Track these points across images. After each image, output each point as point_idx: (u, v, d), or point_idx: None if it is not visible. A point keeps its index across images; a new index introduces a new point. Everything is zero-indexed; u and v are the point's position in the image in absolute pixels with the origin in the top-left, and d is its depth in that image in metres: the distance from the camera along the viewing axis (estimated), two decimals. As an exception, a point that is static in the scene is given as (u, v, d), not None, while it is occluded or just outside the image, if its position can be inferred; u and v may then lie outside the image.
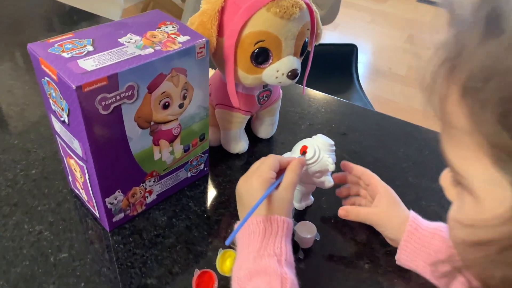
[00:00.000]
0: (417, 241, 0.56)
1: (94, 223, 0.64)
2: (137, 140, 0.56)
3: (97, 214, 0.62)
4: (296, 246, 0.60)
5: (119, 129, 0.53)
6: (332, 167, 0.59)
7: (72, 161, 0.59)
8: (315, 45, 0.69)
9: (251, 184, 0.52)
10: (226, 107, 0.72)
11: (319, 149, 0.59)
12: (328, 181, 0.61)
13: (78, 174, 0.60)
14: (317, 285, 0.58)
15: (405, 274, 0.59)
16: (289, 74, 0.62)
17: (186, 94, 0.59)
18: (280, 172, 0.55)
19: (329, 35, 2.85)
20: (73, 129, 0.52)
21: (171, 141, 0.62)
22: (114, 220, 0.62)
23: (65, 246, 0.60)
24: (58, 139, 0.60)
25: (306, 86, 0.77)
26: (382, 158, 0.80)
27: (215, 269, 0.57)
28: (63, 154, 0.62)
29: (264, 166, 0.54)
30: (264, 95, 0.71)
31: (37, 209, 0.65)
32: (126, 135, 0.55)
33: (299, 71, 0.63)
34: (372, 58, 2.74)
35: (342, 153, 0.80)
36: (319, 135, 0.62)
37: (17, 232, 0.61)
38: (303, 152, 0.59)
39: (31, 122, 0.80)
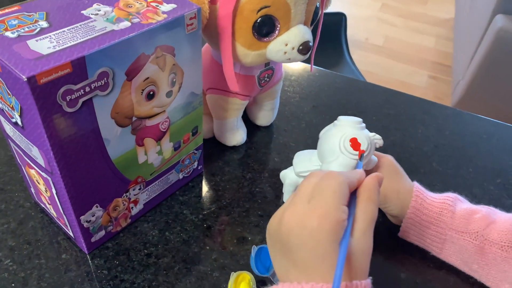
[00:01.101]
0: (424, 217, 0.50)
1: (69, 243, 0.51)
2: (116, 142, 0.44)
3: (70, 233, 0.50)
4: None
5: (92, 130, 0.41)
6: (381, 142, 0.49)
7: (32, 172, 0.46)
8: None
9: (312, 233, 0.32)
10: (220, 91, 0.59)
11: (365, 137, 0.47)
12: (374, 161, 0.51)
13: (42, 187, 0.47)
14: None
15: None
16: (301, 48, 0.50)
17: (174, 80, 0.46)
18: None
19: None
20: (30, 133, 0.39)
21: (159, 138, 0.50)
22: (93, 240, 0.50)
23: (33, 277, 0.48)
24: (11, 144, 0.47)
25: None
26: (400, 141, 0.70)
27: (225, 296, 0.46)
28: (20, 162, 0.49)
29: (329, 200, 0.33)
30: (266, 76, 0.59)
31: (-7, 232, 0.52)
32: (101, 137, 0.42)
33: (312, 44, 0.52)
34: (349, 30, 2.63)
35: (355, 138, 0.69)
36: (341, 118, 0.50)
37: (-32, 264, 0.48)
38: (354, 148, 0.46)
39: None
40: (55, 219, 0.52)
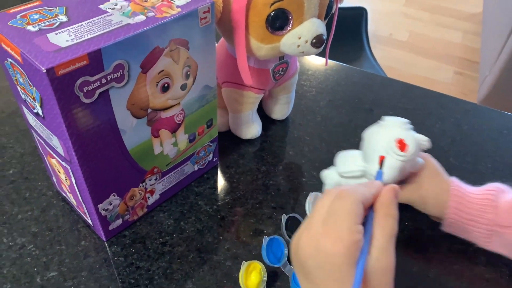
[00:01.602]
0: (465, 216, 0.48)
1: (88, 231, 0.53)
2: (132, 132, 0.45)
3: (89, 221, 0.52)
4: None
5: (109, 121, 0.42)
6: (428, 144, 0.49)
7: (53, 161, 0.49)
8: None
9: (326, 256, 0.32)
10: (235, 85, 0.60)
11: (412, 138, 0.46)
12: (421, 163, 0.50)
13: (62, 176, 0.49)
14: None
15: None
16: (314, 41, 0.51)
17: (189, 72, 0.48)
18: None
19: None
20: (50, 123, 0.41)
21: (174, 130, 0.51)
22: (110, 228, 0.51)
23: (54, 262, 0.50)
24: (34, 134, 0.49)
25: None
26: (416, 136, 0.69)
27: (237, 284, 0.47)
28: (42, 152, 0.51)
29: (342, 221, 0.33)
30: (281, 69, 0.60)
31: (17, 218, 0.54)
32: (117, 128, 0.44)
33: (325, 37, 0.52)
34: (371, 24, 2.59)
35: (371, 133, 0.69)
36: (387, 118, 0.49)
37: (-6, 248, 0.51)
38: (401, 150, 0.45)
39: (4, 112, 0.69)
40: (75, 207, 0.54)
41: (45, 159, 0.52)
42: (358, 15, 1.33)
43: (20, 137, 0.64)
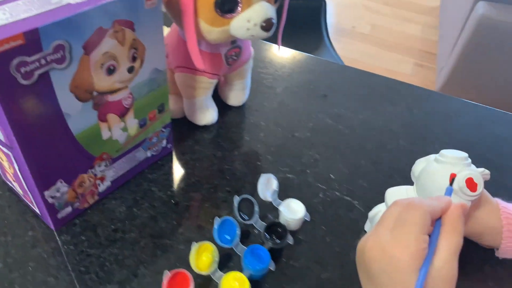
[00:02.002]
0: None
1: (36, 221, 0.52)
2: (77, 116, 0.44)
3: (37, 210, 0.51)
4: (282, 230, 0.51)
5: (51, 104, 0.41)
6: (488, 177, 0.47)
7: (-5, 148, 0.47)
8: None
9: (393, 262, 0.34)
10: (187, 70, 0.60)
11: (478, 176, 0.44)
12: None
13: (5, 164, 0.48)
14: (308, 270, 0.49)
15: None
16: (264, 24, 0.51)
17: (136, 55, 0.47)
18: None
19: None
20: (-13, 106, 0.40)
21: (122, 115, 0.50)
22: (59, 216, 0.50)
23: (0, 255, 0.48)
24: (-26, 121, 0.47)
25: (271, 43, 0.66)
26: (368, 120, 0.71)
27: (189, 267, 0.47)
28: (-16, 140, 0.49)
29: (411, 231, 0.35)
30: (233, 54, 0.60)
31: (-40, 210, 0.52)
32: (61, 111, 0.42)
33: (274, 21, 0.52)
34: (334, 17, 2.63)
35: (325, 118, 0.70)
36: (444, 153, 0.46)
37: None
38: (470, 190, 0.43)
39: None
40: (22, 197, 0.52)
41: (-12, 147, 0.50)
42: (317, 7, 1.35)
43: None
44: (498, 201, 0.49)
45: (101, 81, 0.45)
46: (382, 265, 0.35)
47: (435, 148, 0.66)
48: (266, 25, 0.51)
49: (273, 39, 0.67)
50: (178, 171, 0.60)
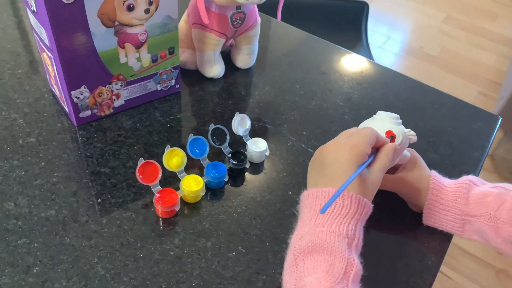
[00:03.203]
0: (440, 206, 0.55)
1: (65, 118, 0.69)
2: (102, 37, 0.60)
3: (66, 109, 0.68)
4: (243, 157, 0.63)
5: (82, 22, 0.57)
6: (415, 138, 0.58)
7: (44, 55, 0.64)
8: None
9: (343, 154, 0.47)
10: (200, 26, 0.74)
11: (400, 131, 0.55)
12: (407, 156, 0.59)
13: (50, 68, 0.65)
14: (258, 193, 0.61)
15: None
16: (256, -9, 0.64)
17: (152, 0, 0.62)
18: (371, 150, 0.50)
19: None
20: (40, 17, 0.57)
21: (138, 46, 0.65)
22: (81, 115, 0.67)
23: (34, 133, 0.66)
24: (34, 34, 0.65)
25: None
26: (350, 97, 0.81)
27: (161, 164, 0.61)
28: (40, 50, 0.67)
29: (361, 137, 0.48)
30: (238, 18, 0.73)
31: (16, 101, 0.70)
32: (89, 30, 0.59)
33: (266, -10, 0.65)
34: (406, 36, 2.65)
35: (317, 89, 0.81)
36: (380, 112, 0.58)
37: (-6, 117, 0.68)
38: (390, 137, 0.55)
39: (27, 31, 0.86)
40: (59, 99, 0.69)
41: (41, 57, 0.68)
42: (360, 9, 1.44)
43: (34, 49, 0.81)
44: (434, 172, 0.58)
45: (122, 15, 0.60)
46: (335, 157, 0.47)
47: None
48: (259, -8, 0.64)
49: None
50: (180, 106, 0.75)
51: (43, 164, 0.61)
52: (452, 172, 0.67)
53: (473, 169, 0.68)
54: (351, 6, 1.46)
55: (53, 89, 0.71)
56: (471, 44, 2.58)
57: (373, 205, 0.47)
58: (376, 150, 0.51)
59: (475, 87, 2.27)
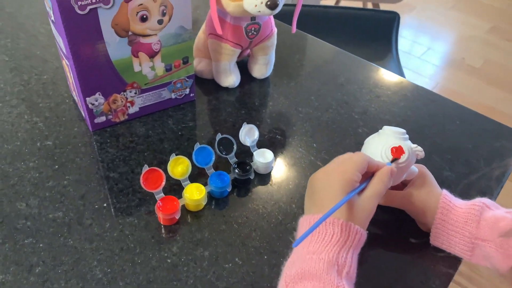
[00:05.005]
0: (449, 227, 0.53)
1: (82, 123, 0.72)
2: (116, 47, 0.62)
3: (83, 114, 0.70)
4: (249, 167, 0.63)
5: (97, 32, 0.60)
6: (422, 154, 0.55)
7: (64, 63, 0.67)
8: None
9: (330, 181, 0.47)
10: (216, 37, 0.75)
11: (407, 147, 0.53)
12: (414, 171, 0.57)
13: (69, 75, 0.68)
14: (261, 203, 0.61)
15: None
16: (269, 3, 0.64)
17: (165, 11, 0.64)
18: (366, 175, 0.49)
19: (403, 19, 2.50)
20: (58, 27, 0.60)
21: (151, 56, 0.67)
22: (96, 121, 0.69)
23: (52, 136, 0.69)
24: (56, 43, 0.68)
25: (343, 49, 0.77)
26: (367, 109, 0.79)
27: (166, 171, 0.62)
28: (60, 58, 0.70)
29: (350, 164, 0.48)
30: (253, 29, 0.74)
31: (39, 105, 0.74)
32: (104, 40, 0.61)
33: (279, 2, 0.65)
34: (447, 46, 2.56)
35: (332, 102, 0.80)
36: (386, 128, 0.56)
37: (17, 119, 0.71)
38: (395, 157, 0.52)
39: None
40: (77, 104, 0.72)
41: (63, 64, 0.71)
42: (390, 19, 1.41)
43: (56, 53, 0.86)
44: (445, 191, 0.56)
45: (136, 25, 0.62)
46: (323, 182, 0.48)
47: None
48: (271, 4, 0.64)
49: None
50: (193, 114, 0.76)
51: (56, 166, 0.64)
52: (469, 192, 0.64)
53: (491, 192, 0.65)
54: (382, 16, 1.43)
55: (73, 95, 0.74)
56: (517, 56, 2.45)
57: (367, 232, 0.46)
58: (372, 175, 0.50)
59: (518, 101, 2.15)
